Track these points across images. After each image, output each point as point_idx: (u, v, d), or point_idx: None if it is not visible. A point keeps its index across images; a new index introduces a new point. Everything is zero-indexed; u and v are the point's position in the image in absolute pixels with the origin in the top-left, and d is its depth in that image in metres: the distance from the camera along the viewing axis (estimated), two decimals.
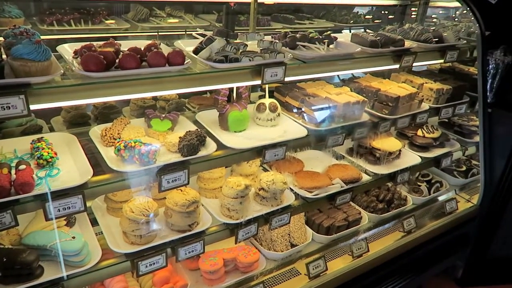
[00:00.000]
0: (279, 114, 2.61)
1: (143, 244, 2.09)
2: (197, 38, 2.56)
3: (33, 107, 1.63)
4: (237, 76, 2.17)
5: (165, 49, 2.14)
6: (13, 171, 1.79)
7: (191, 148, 2.10)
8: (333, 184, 2.77)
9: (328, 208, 3.18)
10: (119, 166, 1.97)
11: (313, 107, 2.61)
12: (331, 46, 2.70)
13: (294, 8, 4.19)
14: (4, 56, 1.73)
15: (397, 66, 2.79)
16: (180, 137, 2.15)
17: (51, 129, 2.57)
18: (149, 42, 2.18)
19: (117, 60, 1.89)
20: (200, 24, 3.25)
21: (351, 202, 3.24)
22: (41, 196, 1.71)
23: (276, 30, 3.56)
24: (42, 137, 2.02)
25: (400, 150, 3.33)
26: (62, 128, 2.58)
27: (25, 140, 2.06)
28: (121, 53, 2.03)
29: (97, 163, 2.01)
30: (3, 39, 1.86)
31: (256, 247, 2.80)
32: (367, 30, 3.38)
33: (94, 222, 2.28)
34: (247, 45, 2.33)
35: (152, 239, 2.15)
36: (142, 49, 2.01)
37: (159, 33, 3.18)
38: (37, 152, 1.90)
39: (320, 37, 2.64)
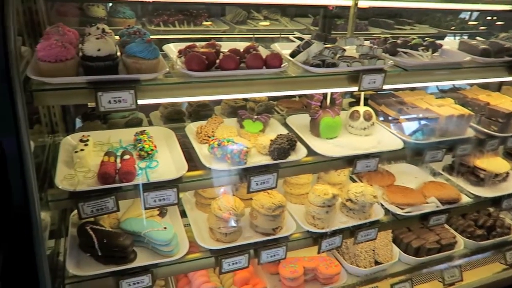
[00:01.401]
0: (373, 123, 2.48)
1: (228, 242, 2.12)
2: (294, 42, 2.55)
3: (139, 101, 1.74)
4: (333, 82, 2.11)
5: (263, 52, 2.14)
6: (118, 160, 1.93)
7: (282, 152, 2.07)
8: (427, 203, 2.55)
9: (419, 227, 2.95)
10: (212, 164, 2.01)
11: (411, 118, 2.43)
12: (435, 53, 2.50)
13: (392, 13, 3.98)
14: (118, 53, 1.86)
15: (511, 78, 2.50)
16: (271, 140, 2.14)
17: (150, 123, 2.74)
18: (248, 44, 2.21)
19: (217, 61, 1.94)
20: (296, 28, 3.23)
21: (445, 225, 2.97)
22: (141, 185, 1.81)
23: (374, 35, 3.40)
24: (144, 130, 2.15)
25: (507, 173, 2.97)
26: (160, 122, 2.73)
27: (129, 132, 2.21)
28: (221, 53, 2.09)
29: (190, 159, 2.08)
30: (119, 38, 2.01)
31: (338, 260, 2.69)
32: (477, 38, 3.07)
33: (183, 214, 2.37)
34: (345, 50, 2.24)
35: (237, 238, 2.17)
36: (241, 50, 2.05)
37: (255, 35, 3.23)
38: (139, 144, 2.03)
39: (424, 43, 2.45)
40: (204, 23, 2.99)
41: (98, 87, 1.64)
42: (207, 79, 1.84)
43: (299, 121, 2.53)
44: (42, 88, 1.60)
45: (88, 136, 2.04)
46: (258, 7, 3.27)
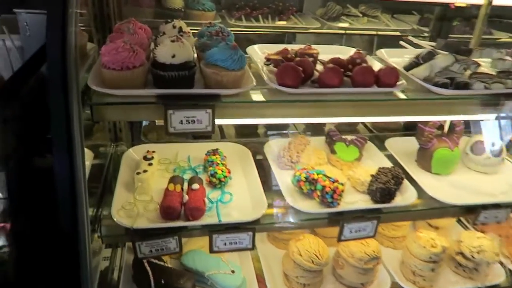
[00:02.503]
0: (503, 160, 1.93)
1: None
2: (404, 47, 2.05)
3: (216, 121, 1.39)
4: (463, 107, 1.61)
5: (372, 63, 1.69)
6: (185, 184, 1.61)
7: (386, 193, 1.62)
8: None
9: None
10: (295, 200, 1.62)
11: None
12: None
13: None
14: (195, 55, 1.51)
15: None
16: (372, 176, 1.69)
17: (221, 131, 2.41)
18: (353, 51, 1.77)
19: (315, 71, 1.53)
20: (400, 28, 2.70)
21: None
22: (210, 225, 1.47)
23: (498, 40, 2.76)
24: (217, 149, 1.81)
25: None
26: (232, 132, 2.40)
27: (200, 148, 1.88)
28: (318, 62, 1.67)
29: (268, 188, 1.71)
30: (197, 39, 1.66)
31: None
32: None
33: None
34: (479, 65, 1.72)
35: None
36: (342, 59, 1.61)
37: (348, 33, 2.76)
38: (210, 168, 1.69)
39: None
40: (294, 18, 2.57)
41: (169, 103, 1.31)
42: (303, 97, 1.44)
43: (402, 146, 2.04)
44: (103, 101, 1.29)
45: (153, 152, 1.73)
46: (355, 2, 2.78)
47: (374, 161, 1.93)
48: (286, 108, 1.45)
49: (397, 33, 2.73)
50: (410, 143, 2.02)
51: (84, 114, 1.27)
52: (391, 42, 3.06)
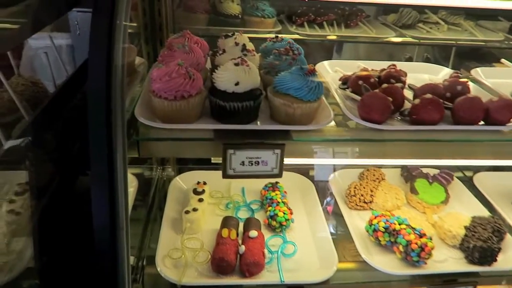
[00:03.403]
0: None
1: None
2: (505, 65, 1.71)
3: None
4: None
5: (474, 89, 1.37)
6: (240, 225, 1.38)
7: (488, 254, 1.30)
8: None
9: None
10: (370, 252, 1.35)
11: None
12: None
13: None
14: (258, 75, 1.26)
15: None
16: (466, 228, 1.38)
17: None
18: (445, 70, 1.47)
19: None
20: (486, 38, 2.31)
21: None
22: (270, 285, 1.23)
23: None
24: (277, 183, 1.56)
25: None
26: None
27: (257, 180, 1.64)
28: (406, 86, 1.37)
29: (336, 233, 1.45)
30: (261, 55, 1.42)
31: None
32: None
33: None
34: None
35: None
36: (435, 83, 1.31)
37: (421, 43, 2.41)
38: (270, 208, 1.44)
39: None
40: (362, 25, 2.26)
41: (230, 142, 1.07)
42: (393, 135, 1.15)
43: (494, 184, 1.70)
44: (152, 136, 1.08)
45: (204, 184, 1.51)
46: (435, 8, 2.42)
47: (463, 203, 1.61)
48: (370, 147, 1.17)
49: (481, 43, 2.36)
50: (506, 180, 1.68)
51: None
52: (472, 53, 2.69)
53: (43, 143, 1.25)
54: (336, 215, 1.54)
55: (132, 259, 1.33)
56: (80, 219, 1.18)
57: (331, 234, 1.42)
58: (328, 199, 1.65)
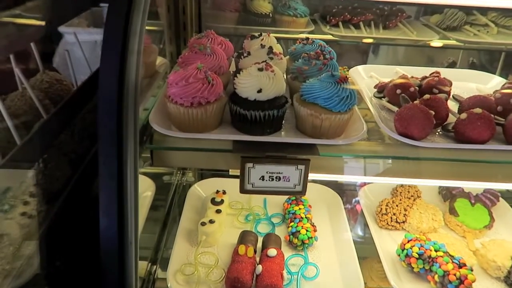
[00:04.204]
0: None
1: None
2: None
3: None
4: None
5: None
6: (259, 241, 1.28)
7: None
8: None
9: None
10: (401, 281, 1.21)
11: None
12: None
13: None
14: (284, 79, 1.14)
15: None
16: None
17: None
18: (496, 79, 1.32)
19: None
20: None
21: None
22: None
23: None
24: (301, 196, 1.45)
25: None
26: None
27: None
28: (451, 97, 1.23)
29: (362, 253, 1.32)
30: (289, 58, 1.31)
31: None
32: None
33: None
34: None
35: None
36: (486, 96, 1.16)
37: (466, 47, 2.22)
38: (292, 223, 1.34)
39: None
40: (402, 26, 2.10)
41: (249, 155, 0.97)
42: (437, 154, 1.02)
43: None
44: (166, 145, 1.00)
45: (223, 194, 1.42)
46: (485, 9, 2.22)
47: (509, 228, 1.44)
48: (407, 165, 1.04)
49: None
50: None
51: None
52: None
53: (57, 143, 1.20)
54: (364, 233, 1.42)
55: (145, 265, 1.27)
56: (93, 224, 1.12)
57: (358, 253, 1.30)
58: (357, 215, 1.53)
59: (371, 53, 2.61)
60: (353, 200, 1.60)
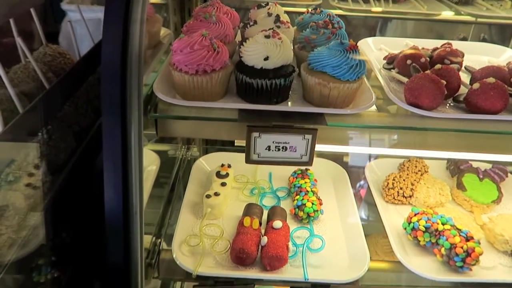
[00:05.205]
0: None
1: None
2: None
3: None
4: None
5: None
6: (264, 213, 1.28)
7: None
8: None
9: None
10: (407, 253, 1.21)
11: None
12: None
13: None
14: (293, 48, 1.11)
15: None
16: None
17: None
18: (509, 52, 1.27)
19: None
20: None
21: None
22: (292, 282, 1.12)
23: None
24: (307, 170, 1.44)
25: None
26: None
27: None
28: (463, 68, 1.19)
29: (368, 228, 1.31)
30: (296, 28, 1.28)
31: None
32: None
33: None
34: None
35: None
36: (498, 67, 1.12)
37: (478, 21, 2.16)
38: (297, 196, 1.33)
39: None
40: (413, 1, 2.04)
41: (255, 124, 0.95)
42: (448, 125, 0.99)
43: None
44: (171, 114, 0.98)
45: (228, 167, 1.41)
46: None
47: None
48: (417, 136, 1.02)
49: None
50: None
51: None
52: None
53: (62, 115, 1.19)
54: (370, 208, 1.41)
55: (150, 238, 1.27)
56: (98, 195, 1.11)
57: (364, 228, 1.29)
58: (363, 189, 1.52)
59: (379, 30, 2.55)
60: (360, 178, 1.58)
